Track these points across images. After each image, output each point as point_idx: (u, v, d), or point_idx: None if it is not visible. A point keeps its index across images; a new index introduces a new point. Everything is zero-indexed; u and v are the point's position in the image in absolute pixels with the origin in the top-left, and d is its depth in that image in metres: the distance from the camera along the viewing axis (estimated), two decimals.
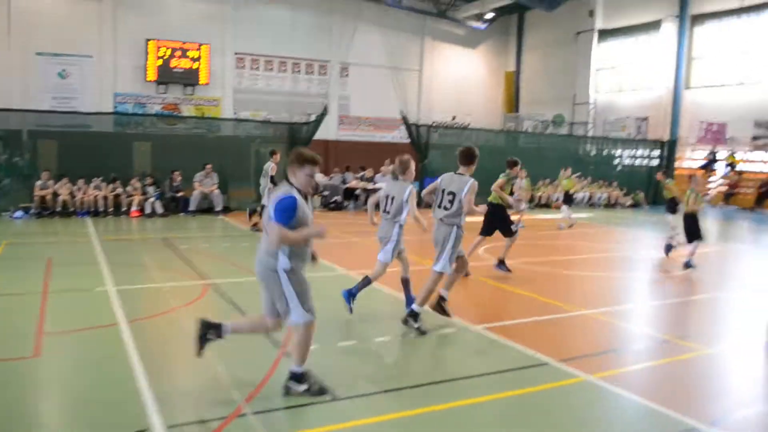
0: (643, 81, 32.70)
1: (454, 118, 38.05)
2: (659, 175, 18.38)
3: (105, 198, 17.04)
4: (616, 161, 29.63)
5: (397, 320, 7.46)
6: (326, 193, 19.78)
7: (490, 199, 10.34)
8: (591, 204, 24.96)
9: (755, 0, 27.68)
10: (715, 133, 29.23)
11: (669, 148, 28.38)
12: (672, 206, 16.26)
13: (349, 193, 20.23)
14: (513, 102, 40.35)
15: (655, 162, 29.02)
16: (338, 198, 19.40)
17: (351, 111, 35.94)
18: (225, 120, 27.73)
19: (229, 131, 23.15)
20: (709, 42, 29.98)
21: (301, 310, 4.98)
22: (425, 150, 21.34)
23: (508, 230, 10.45)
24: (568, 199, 18.59)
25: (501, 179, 10.46)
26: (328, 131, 34.96)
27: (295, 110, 34.06)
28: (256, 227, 15.25)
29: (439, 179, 7.32)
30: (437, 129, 25.88)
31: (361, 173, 20.30)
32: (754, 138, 28.03)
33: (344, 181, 19.96)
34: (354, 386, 5.44)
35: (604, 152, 29.95)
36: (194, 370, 5.82)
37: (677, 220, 16.15)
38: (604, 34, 34.41)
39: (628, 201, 25.90)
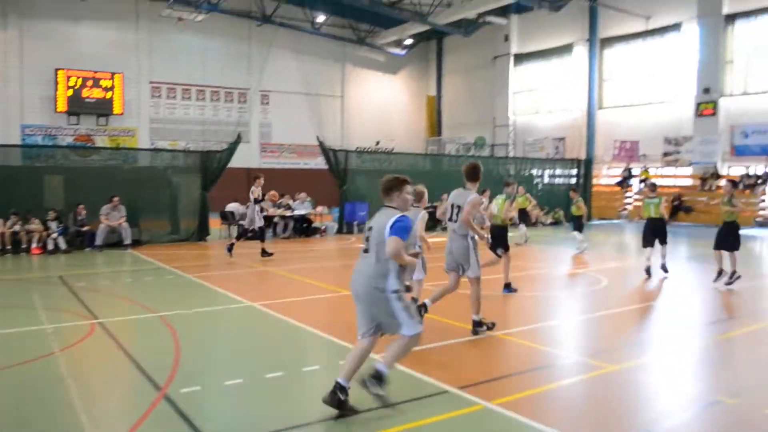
0: (559, 103, 33.52)
1: (378, 143, 38.02)
2: (572, 193, 18.69)
3: (2, 235, 15.91)
4: (536, 181, 29.97)
5: (287, 352, 7.00)
6: (243, 222, 19.09)
7: (493, 221, 11.24)
8: (512, 224, 24.96)
9: (658, 23, 28.81)
10: (629, 151, 30.06)
11: (585, 167, 28.88)
12: (578, 223, 16.53)
13: (267, 222, 19.54)
14: (435, 126, 40.68)
15: (573, 180, 29.44)
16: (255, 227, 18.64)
17: (273, 138, 35.40)
18: (137, 150, 26.79)
19: (145, 162, 22.23)
20: (619, 64, 31.03)
21: (413, 323, 5.17)
22: (344, 176, 20.98)
23: (506, 246, 11.20)
24: (524, 217, 18.88)
25: (506, 201, 11.39)
26: (250, 159, 34.33)
27: (214, 139, 33.35)
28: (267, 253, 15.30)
29: (449, 196, 8.06)
30: (361, 154, 25.65)
31: (279, 200, 19.67)
32: (665, 154, 28.94)
33: (261, 210, 19.24)
34: (248, 428, 4.93)
35: (525, 172, 30.20)
36: (55, 423, 5.18)
37: (584, 235, 16.43)
38: (520, 57, 35.16)
39: (549, 219, 26.14)
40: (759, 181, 25.61)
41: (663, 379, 6.38)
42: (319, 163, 34.60)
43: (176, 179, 19.42)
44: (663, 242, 12.24)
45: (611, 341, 7.84)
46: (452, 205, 7.89)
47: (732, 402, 5.59)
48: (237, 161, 24.26)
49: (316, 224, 20.79)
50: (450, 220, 7.90)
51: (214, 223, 19.64)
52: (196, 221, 18.86)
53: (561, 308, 10.29)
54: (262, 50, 34.42)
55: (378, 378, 5.12)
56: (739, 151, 26.58)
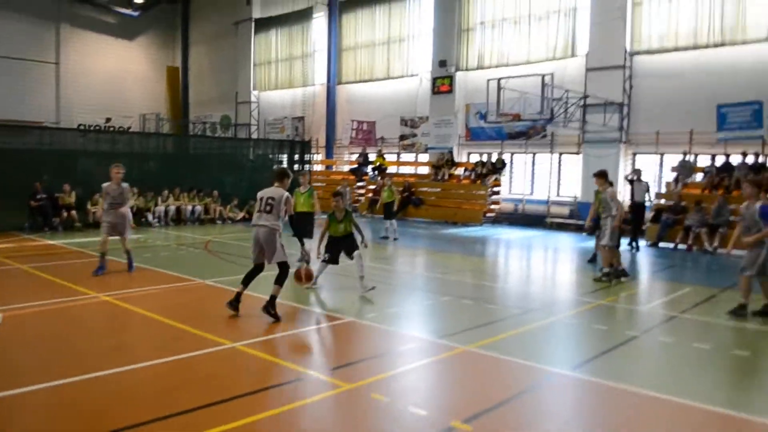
0: (299, 77, 27.54)
1: (108, 120, 30.52)
2: None
3: None
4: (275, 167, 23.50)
5: None
6: None
7: None
8: (181, 220, 18.31)
9: None
10: (366, 133, 24.71)
11: (301, 150, 22.87)
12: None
13: None
14: (179, 102, 33.52)
15: (306, 166, 23.35)
16: None
17: None
18: None
19: None
20: (359, 32, 25.44)
21: None
22: None
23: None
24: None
25: None
26: None
27: None
28: None
29: None
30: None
31: None
32: (401, 137, 23.84)
33: None
34: None
35: (260, 159, 23.82)
36: None
37: None
38: (262, 23, 28.94)
39: (240, 214, 19.04)
40: (491, 168, 20.92)
41: None
42: (26, 143, 26.90)
43: None
44: None
45: None
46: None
47: None
48: None
49: None
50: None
51: None
52: None
53: None
54: None
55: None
56: (474, 135, 21.88)
